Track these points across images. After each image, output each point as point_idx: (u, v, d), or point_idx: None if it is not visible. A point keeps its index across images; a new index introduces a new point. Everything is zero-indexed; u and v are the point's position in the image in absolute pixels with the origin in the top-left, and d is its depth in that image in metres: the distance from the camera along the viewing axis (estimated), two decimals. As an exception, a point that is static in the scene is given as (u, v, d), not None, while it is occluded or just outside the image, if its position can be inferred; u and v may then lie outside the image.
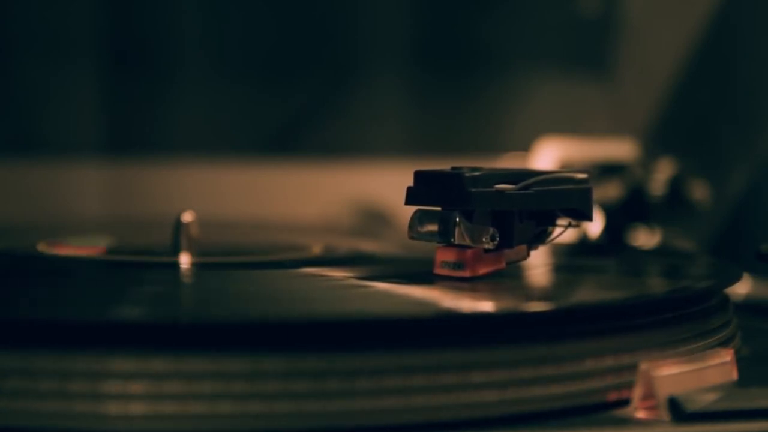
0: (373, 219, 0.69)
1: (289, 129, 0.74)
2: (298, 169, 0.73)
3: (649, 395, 0.31)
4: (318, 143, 0.74)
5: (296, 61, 0.73)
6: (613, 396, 0.32)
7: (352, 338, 0.30)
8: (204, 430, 0.28)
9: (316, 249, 0.48)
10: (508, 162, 0.67)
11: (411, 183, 0.37)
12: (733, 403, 0.31)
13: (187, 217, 0.44)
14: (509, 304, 0.35)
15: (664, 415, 0.31)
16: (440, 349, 0.30)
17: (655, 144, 0.66)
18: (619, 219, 0.57)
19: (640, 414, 0.31)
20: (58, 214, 0.69)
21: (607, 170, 0.59)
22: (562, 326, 0.32)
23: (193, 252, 0.44)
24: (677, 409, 0.31)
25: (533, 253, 0.39)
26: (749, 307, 0.48)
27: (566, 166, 0.59)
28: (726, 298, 0.40)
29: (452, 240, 0.36)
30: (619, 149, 0.61)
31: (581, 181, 0.38)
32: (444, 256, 0.37)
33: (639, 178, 0.58)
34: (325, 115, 0.74)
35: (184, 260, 0.43)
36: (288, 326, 0.30)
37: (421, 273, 0.38)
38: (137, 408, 0.28)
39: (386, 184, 0.68)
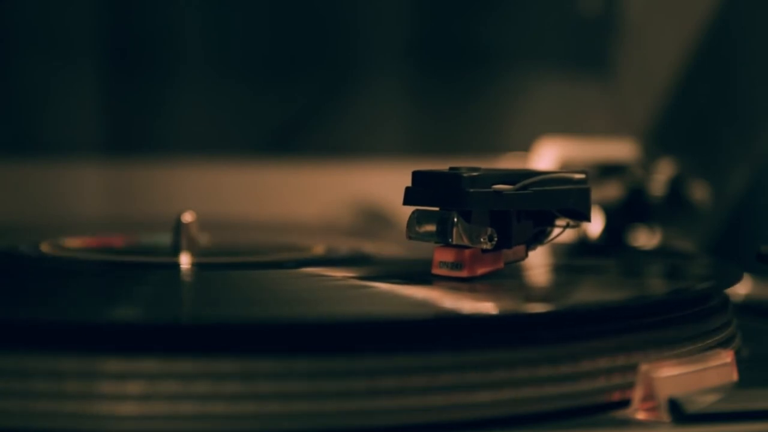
0: (373, 219, 0.69)
1: (289, 129, 0.74)
2: (298, 169, 0.73)
3: (649, 396, 0.31)
4: (318, 143, 0.74)
5: (296, 61, 0.73)
6: (613, 397, 0.32)
7: (354, 340, 0.30)
8: (202, 430, 0.28)
9: (316, 249, 0.48)
10: (508, 162, 0.67)
11: (410, 183, 0.37)
12: (734, 404, 0.31)
13: (187, 217, 0.44)
14: (508, 304, 0.35)
15: (665, 416, 0.31)
16: (437, 350, 0.30)
17: (655, 144, 0.65)
18: (619, 219, 0.57)
19: (641, 415, 0.31)
20: (58, 214, 0.69)
21: (607, 170, 0.58)
22: (562, 327, 0.32)
23: (193, 252, 0.44)
24: (677, 411, 0.31)
25: (532, 254, 0.39)
26: (749, 307, 0.48)
27: (566, 167, 0.59)
28: (726, 299, 0.40)
29: (450, 240, 0.36)
30: (619, 149, 0.61)
31: (579, 181, 0.38)
32: (442, 256, 0.37)
33: (639, 179, 0.58)
34: (325, 115, 0.74)
35: (185, 260, 0.43)
36: (284, 327, 0.30)
37: (419, 273, 0.38)
38: (141, 408, 0.28)
39: (386, 184, 0.68)
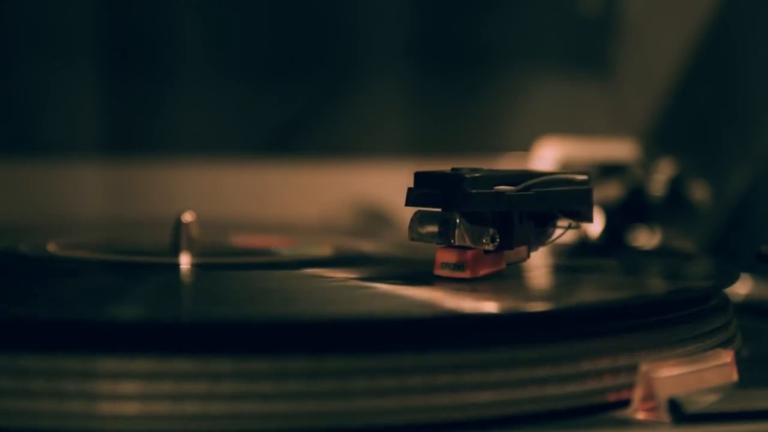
0: (373, 219, 0.69)
1: (289, 129, 0.74)
2: (298, 169, 0.73)
3: (649, 396, 0.31)
4: (318, 143, 0.74)
5: (296, 61, 0.73)
6: (613, 397, 0.32)
7: (354, 339, 0.30)
8: (203, 430, 0.29)
9: (316, 249, 0.48)
10: (508, 162, 0.67)
11: (411, 183, 0.37)
12: (734, 404, 0.31)
13: (187, 217, 0.44)
14: (509, 304, 0.35)
15: (665, 416, 0.31)
16: (438, 350, 0.30)
17: (655, 144, 0.66)
18: (620, 219, 0.57)
19: (641, 415, 0.31)
20: (58, 214, 0.69)
21: (608, 171, 0.59)
22: (562, 327, 0.32)
23: (193, 252, 0.44)
24: (677, 411, 0.31)
25: (533, 254, 0.39)
26: (749, 307, 0.48)
27: (566, 167, 0.59)
28: (726, 299, 0.40)
29: (452, 241, 0.36)
30: (619, 149, 0.61)
31: (581, 182, 0.38)
32: (444, 257, 0.37)
33: (639, 179, 0.58)
34: (325, 116, 0.74)
35: (184, 260, 0.43)
36: (282, 327, 0.30)
37: (421, 274, 0.38)
38: (139, 408, 0.28)
39: (386, 184, 0.68)
